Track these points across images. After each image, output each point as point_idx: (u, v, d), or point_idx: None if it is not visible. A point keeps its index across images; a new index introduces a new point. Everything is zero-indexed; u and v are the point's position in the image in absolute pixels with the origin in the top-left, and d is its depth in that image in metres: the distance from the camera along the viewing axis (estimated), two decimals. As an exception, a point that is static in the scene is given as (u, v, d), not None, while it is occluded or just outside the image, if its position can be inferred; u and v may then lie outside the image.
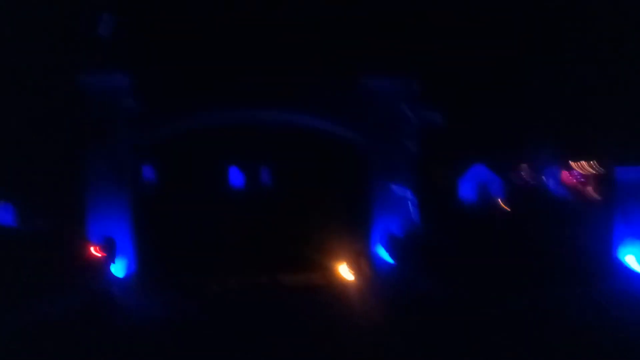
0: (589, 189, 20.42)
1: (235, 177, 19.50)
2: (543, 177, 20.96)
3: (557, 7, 18.49)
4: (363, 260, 17.67)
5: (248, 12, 16.61)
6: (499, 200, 20.00)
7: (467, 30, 18.18)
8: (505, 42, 18.81)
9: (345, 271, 17.52)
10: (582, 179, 20.76)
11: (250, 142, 17.97)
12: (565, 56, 19.05)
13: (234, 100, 16.76)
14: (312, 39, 16.71)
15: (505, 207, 19.84)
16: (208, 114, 16.97)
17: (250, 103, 16.90)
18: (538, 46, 19.19)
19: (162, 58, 16.06)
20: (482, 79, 19.01)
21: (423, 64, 17.13)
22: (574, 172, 21.01)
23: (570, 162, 21.04)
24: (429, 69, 17.24)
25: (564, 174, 21.08)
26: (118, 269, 15.80)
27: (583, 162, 20.88)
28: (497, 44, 18.71)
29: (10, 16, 15.18)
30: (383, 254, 17.26)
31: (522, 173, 21.24)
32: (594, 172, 20.56)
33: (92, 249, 15.38)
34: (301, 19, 16.72)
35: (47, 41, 15.62)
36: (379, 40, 16.78)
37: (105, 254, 15.38)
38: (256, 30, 16.60)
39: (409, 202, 17.56)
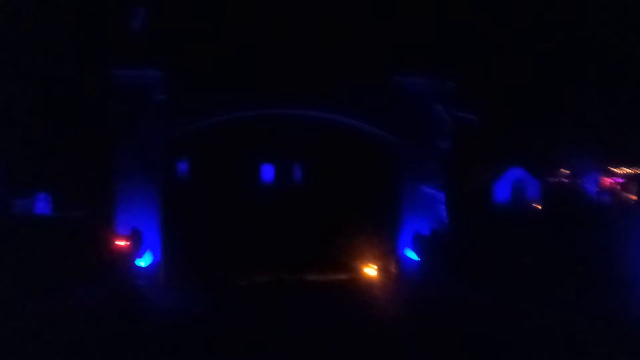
0: (628, 194, 19.93)
1: (266, 173, 19.46)
2: (582, 181, 20.51)
3: (598, 8, 18.08)
4: (391, 260, 17.54)
5: (283, 8, 16.56)
6: (535, 203, 19.59)
7: (505, 30, 17.90)
8: (545, 43, 18.47)
9: (372, 271, 17.36)
10: (622, 184, 20.30)
11: (282, 139, 17.89)
12: (607, 58, 18.62)
13: (267, 96, 16.72)
14: (347, 36, 16.58)
15: (541, 211, 19.41)
16: (240, 110, 16.94)
17: (283, 100, 16.82)
18: (579, 48, 18.77)
19: (195, 52, 16.09)
20: (520, 80, 18.66)
21: (460, 64, 16.89)
22: (614, 176, 20.54)
23: (609, 167, 20.59)
24: (465, 68, 16.98)
25: (603, 179, 20.61)
26: (143, 261, 15.89)
27: (623, 167, 20.42)
28: (536, 45, 18.39)
29: (43, 9, 15.47)
30: (411, 254, 17.03)
31: (561, 177, 20.82)
32: (634, 177, 20.08)
33: (118, 240, 15.53)
34: (338, 17, 16.61)
35: (80, 34, 15.87)
36: (415, 39, 16.59)
37: (131, 246, 15.51)
38: (291, 27, 16.55)
39: (440, 204, 17.32)
